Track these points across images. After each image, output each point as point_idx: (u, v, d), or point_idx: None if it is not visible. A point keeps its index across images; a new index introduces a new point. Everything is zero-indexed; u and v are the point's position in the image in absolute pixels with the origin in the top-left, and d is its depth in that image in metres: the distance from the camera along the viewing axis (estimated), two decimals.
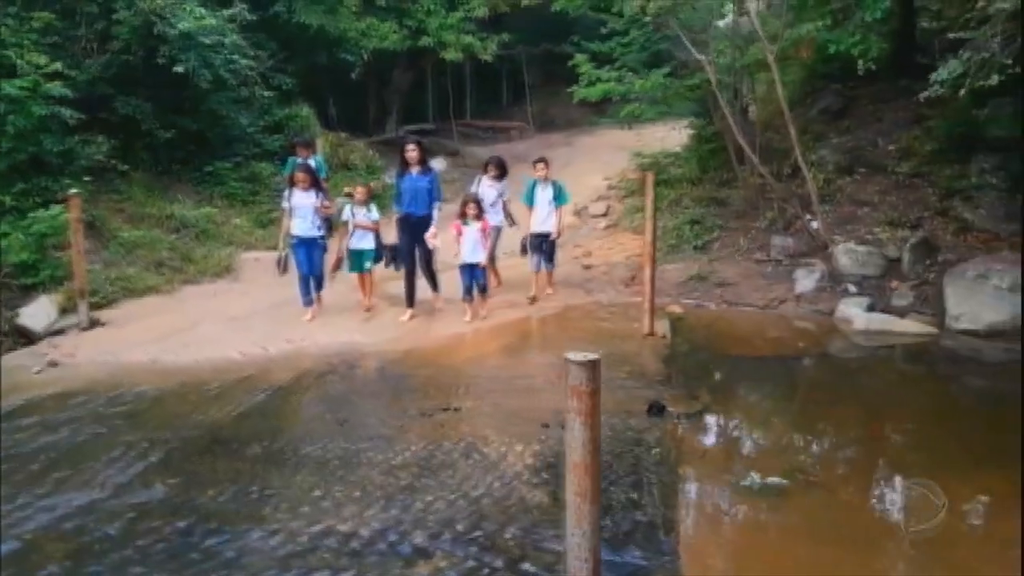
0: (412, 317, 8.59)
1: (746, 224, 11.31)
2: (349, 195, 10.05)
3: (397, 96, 21.24)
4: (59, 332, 8.58)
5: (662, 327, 8.33)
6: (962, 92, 6.95)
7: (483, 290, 8.73)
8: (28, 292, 9.25)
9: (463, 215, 8.54)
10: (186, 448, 5.52)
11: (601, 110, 29.17)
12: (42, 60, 10.33)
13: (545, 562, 4.01)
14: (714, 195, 12.16)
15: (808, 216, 10.48)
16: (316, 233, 8.47)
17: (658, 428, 5.77)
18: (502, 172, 9.57)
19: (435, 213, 8.42)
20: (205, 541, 4.25)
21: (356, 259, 8.74)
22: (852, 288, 9.50)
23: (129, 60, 12.07)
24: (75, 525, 4.45)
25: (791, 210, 11.07)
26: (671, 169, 14.27)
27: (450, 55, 18.48)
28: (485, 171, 9.57)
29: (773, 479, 4.94)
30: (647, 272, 8.18)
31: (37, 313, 8.91)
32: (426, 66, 21.48)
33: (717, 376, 7.41)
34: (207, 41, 11.56)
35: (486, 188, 9.41)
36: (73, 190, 8.87)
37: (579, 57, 11.94)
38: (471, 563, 4.02)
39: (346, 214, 8.81)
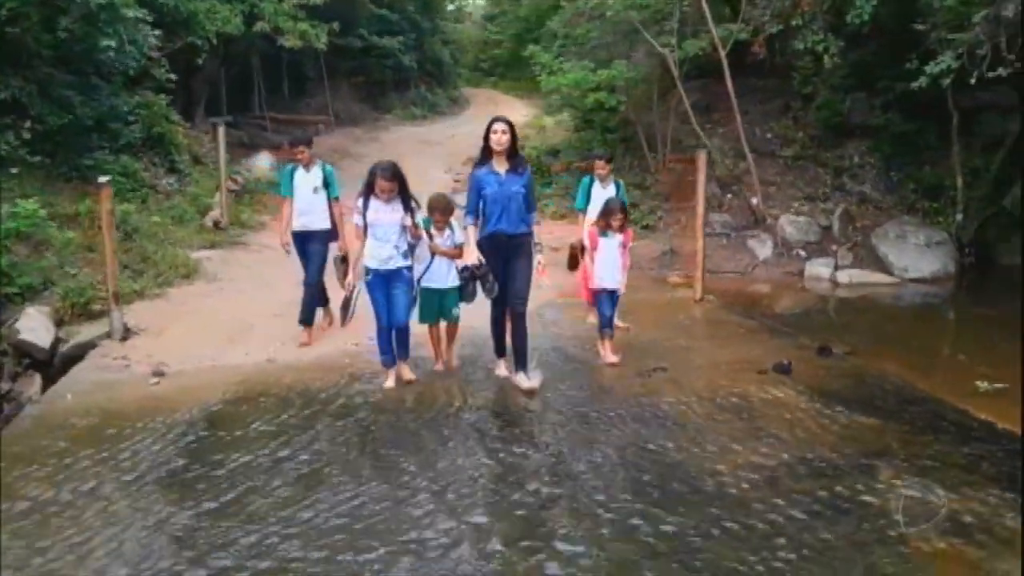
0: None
1: (677, 205, 12.60)
2: None
3: (206, 86, 19.61)
4: (91, 345, 7.26)
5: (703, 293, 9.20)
6: (972, 81, 8.63)
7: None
8: (2, 305, 7.69)
9: (606, 225, 6.56)
10: (485, 423, 5.31)
11: (382, 107, 29.35)
12: None
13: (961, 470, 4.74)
14: (632, 181, 13.27)
15: (748, 194, 12.03)
16: (402, 263, 5.84)
17: (849, 364, 6.73)
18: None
19: (535, 229, 5.91)
20: (680, 485, 4.36)
21: (433, 303, 6.24)
22: (802, 253, 11.21)
23: (9, 33, 10.18)
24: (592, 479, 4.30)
25: (714, 190, 12.59)
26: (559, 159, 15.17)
27: (290, 42, 17.60)
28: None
29: (997, 384, 6.14)
30: (699, 244, 9.02)
31: (36, 328, 7.46)
32: (239, 54, 20.10)
33: (807, 324, 8.49)
34: (130, 14, 10.14)
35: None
36: (103, 178, 7.52)
37: (532, 48, 12.35)
38: (927, 463, 4.63)
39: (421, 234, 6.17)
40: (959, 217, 11.06)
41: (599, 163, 7.87)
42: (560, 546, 3.75)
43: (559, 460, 4.74)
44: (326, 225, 7.17)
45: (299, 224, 7.17)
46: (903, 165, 12.35)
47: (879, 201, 12.10)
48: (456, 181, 17.70)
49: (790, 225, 11.49)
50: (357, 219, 5.73)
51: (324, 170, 7.19)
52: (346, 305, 6.27)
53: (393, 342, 6.05)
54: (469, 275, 5.75)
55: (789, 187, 12.59)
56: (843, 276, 10.39)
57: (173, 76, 12.61)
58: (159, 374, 6.44)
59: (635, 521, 4.00)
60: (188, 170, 14.34)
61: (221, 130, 12.65)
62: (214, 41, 15.62)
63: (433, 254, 6.13)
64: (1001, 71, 8.25)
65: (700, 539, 3.83)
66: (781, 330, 7.85)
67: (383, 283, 5.86)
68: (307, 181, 7.10)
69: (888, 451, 4.85)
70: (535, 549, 3.73)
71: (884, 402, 5.74)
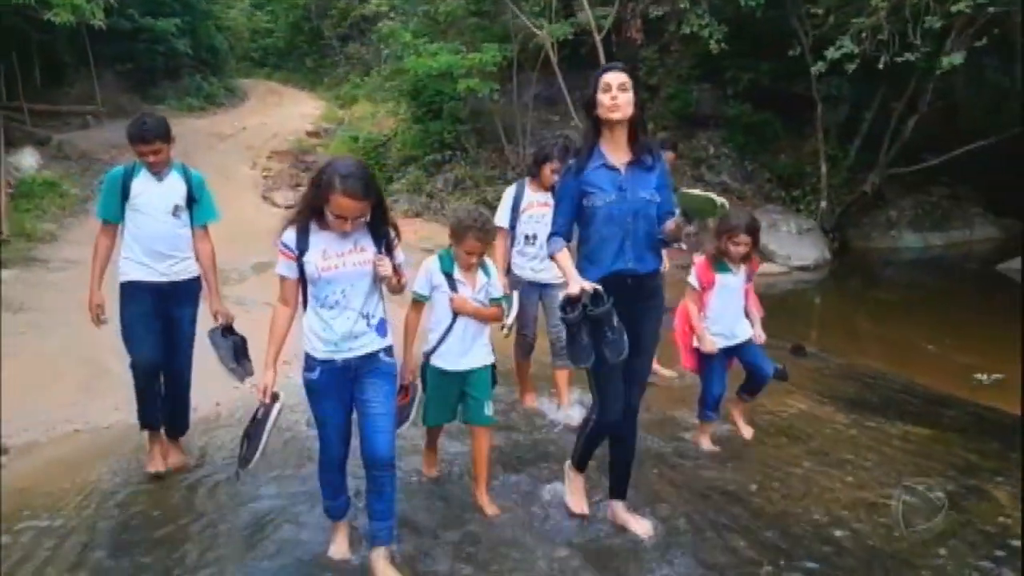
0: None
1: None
2: None
3: None
4: None
5: None
6: (851, 69, 8.55)
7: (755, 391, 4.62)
8: None
9: (721, 253, 4.32)
10: (523, 479, 4.14)
11: (153, 97, 26.13)
12: None
13: None
14: (491, 175, 12.32)
15: None
16: (378, 344, 3.19)
17: (832, 364, 6.28)
18: None
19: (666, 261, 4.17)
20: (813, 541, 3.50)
21: (449, 394, 3.78)
22: (683, 245, 10.82)
23: None
24: None
25: None
26: (394, 151, 13.92)
27: (61, 18, 14.70)
28: (539, 168, 4.72)
29: (995, 376, 5.90)
30: None
31: None
32: None
33: None
34: None
35: (538, 208, 4.69)
36: None
37: (391, 26, 10.87)
38: None
39: (424, 284, 3.70)
40: (823, 204, 11.25)
41: (667, 155, 4.82)
42: None
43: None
44: (195, 270, 4.24)
45: (147, 272, 4.07)
46: (757, 155, 12.47)
47: (739, 191, 12.10)
48: (266, 177, 16.08)
49: None
50: (285, 268, 3.10)
51: (189, 178, 4.19)
52: (254, 432, 3.17)
53: (345, 483, 3.33)
54: (578, 316, 3.12)
55: None
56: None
57: None
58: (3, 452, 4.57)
59: None
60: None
61: None
62: None
63: (456, 314, 3.68)
64: (908, 56, 8.26)
65: None
66: None
67: (341, 385, 3.14)
68: (160, 196, 4.08)
69: (976, 468, 4.33)
70: None
71: (912, 406, 5.31)
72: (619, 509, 3.64)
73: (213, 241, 4.31)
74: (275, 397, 3.14)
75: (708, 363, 4.46)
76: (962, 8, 7.70)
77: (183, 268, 4.16)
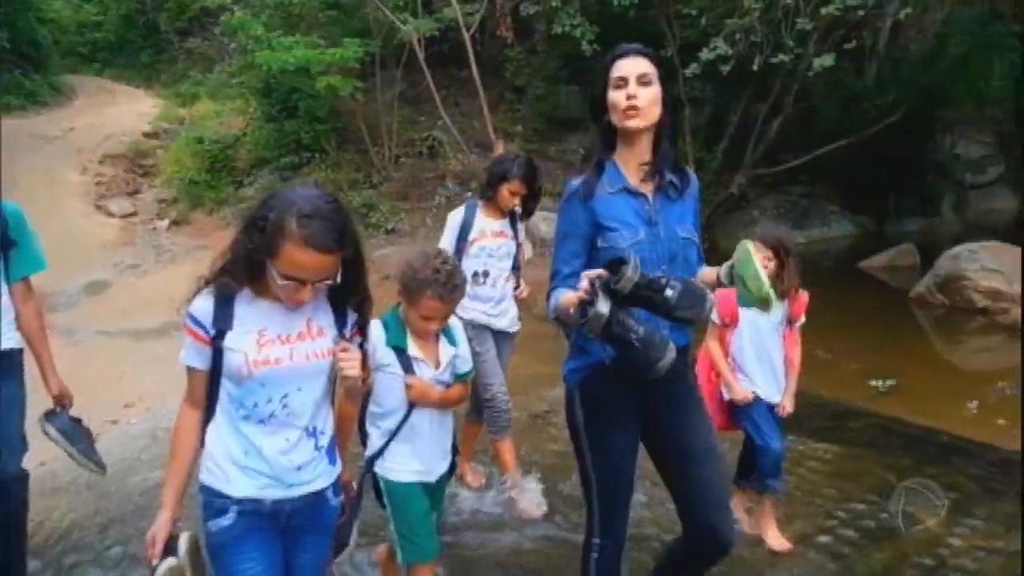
0: None
1: (417, 205, 11.24)
2: None
3: None
4: None
5: None
6: (726, 70, 8.51)
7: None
8: None
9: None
10: None
11: None
12: None
13: None
14: (355, 179, 11.58)
15: None
16: (324, 479, 2.10)
17: None
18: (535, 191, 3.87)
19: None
20: None
21: (410, 515, 2.57)
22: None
23: None
24: None
25: (450, 187, 11.50)
26: (244, 153, 12.95)
27: None
28: (495, 189, 3.80)
29: (888, 381, 5.87)
30: None
31: None
32: None
33: None
34: None
35: (492, 239, 3.87)
36: None
37: (241, 17, 9.85)
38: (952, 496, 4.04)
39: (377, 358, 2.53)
40: None
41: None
42: None
43: None
44: (12, 341, 3.01)
45: None
46: None
47: None
48: (99, 183, 14.72)
49: (543, 223, 10.79)
50: (194, 355, 1.99)
51: (1, 212, 2.96)
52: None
53: None
54: (606, 309, 1.95)
55: None
56: None
57: None
58: None
59: None
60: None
61: None
62: None
63: (411, 405, 2.57)
64: (782, 57, 8.27)
65: None
66: None
67: (267, 538, 2.04)
68: None
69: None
70: None
71: (816, 421, 5.12)
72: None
73: None
74: (168, 548, 1.98)
75: (748, 415, 3.42)
76: (831, 11, 7.78)
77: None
